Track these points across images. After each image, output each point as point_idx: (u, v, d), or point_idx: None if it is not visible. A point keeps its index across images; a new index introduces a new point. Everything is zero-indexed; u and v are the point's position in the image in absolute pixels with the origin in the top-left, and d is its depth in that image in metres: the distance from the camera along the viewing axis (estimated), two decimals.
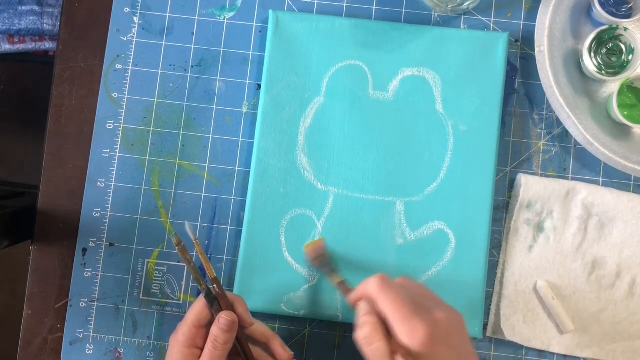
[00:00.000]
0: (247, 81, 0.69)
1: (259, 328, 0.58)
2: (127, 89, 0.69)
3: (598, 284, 0.65)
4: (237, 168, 0.68)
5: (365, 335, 0.50)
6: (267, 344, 0.58)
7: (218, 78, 0.69)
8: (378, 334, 0.50)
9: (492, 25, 0.69)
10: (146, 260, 0.67)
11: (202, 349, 0.55)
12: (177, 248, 0.56)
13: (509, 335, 0.64)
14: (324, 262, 0.62)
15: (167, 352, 0.56)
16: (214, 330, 0.54)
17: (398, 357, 0.48)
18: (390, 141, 0.66)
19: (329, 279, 0.61)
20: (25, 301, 0.67)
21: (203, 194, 0.68)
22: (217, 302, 0.56)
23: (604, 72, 0.65)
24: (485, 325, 0.65)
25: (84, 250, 0.68)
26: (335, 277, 0.61)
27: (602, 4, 0.65)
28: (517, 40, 0.68)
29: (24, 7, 0.86)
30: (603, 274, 0.65)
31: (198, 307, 0.56)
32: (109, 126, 0.69)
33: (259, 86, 0.68)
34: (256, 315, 0.66)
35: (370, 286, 0.52)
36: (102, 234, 0.68)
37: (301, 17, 0.67)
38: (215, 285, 0.56)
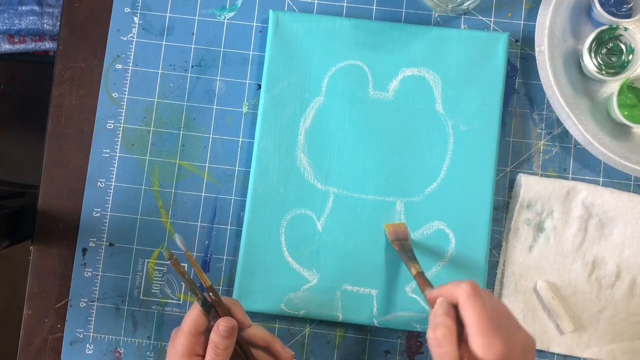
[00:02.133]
0: (247, 81, 0.69)
1: (259, 332, 0.58)
2: (127, 89, 0.69)
3: (598, 284, 0.65)
4: (237, 168, 0.68)
5: (437, 336, 0.49)
6: (267, 347, 0.58)
7: (218, 78, 0.69)
8: (451, 338, 0.49)
9: (492, 25, 0.69)
10: (146, 260, 0.67)
11: (202, 356, 0.54)
12: (169, 262, 0.55)
13: None
14: (405, 247, 0.61)
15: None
16: (214, 337, 0.54)
17: None
18: (390, 141, 0.66)
19: (407, 266, 0.60)
20: (25, 301, 0.67)
21: (203, 194, 0.68)
22: (213, 309, 0.56)
23: (604, 72, 0.65)
24: None
25: (84, 250, 0.68)
26: (414, 266, 0.59)
27: (602, 4, 0.65)
28: (517, 40, 0.68)
29: (24, 7, 0.86)
30: (603, 274, 0.65)
31: (194, 315, 0.55)
32: (109, 126, 0.69)
33: (259, 86, 0.68)
34: (256, 315, 0.66)
35: (460, 290, 0.51)
36: (102, 234, 0.68)
37: (301, 17, 0.67)
38: (210, 293, 0.56)
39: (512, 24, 0.68)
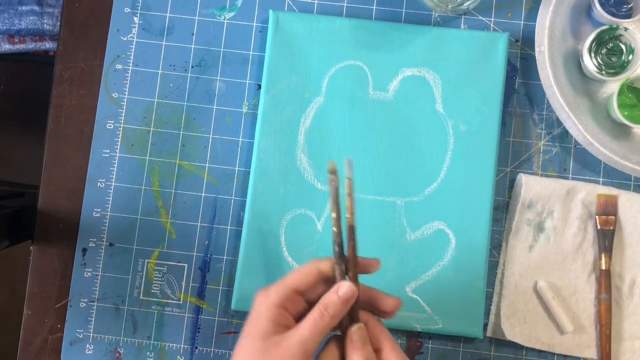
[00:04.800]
0: (247, 81, 0.69)
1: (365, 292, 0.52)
2: (127, 89, 0.69)
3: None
4: (237, 168, 0.68)
5: None
6: (369, 301, 0.52)
7: (218, 78, 0.69)
8: None
9: (492, 25, 0.69)
10: (146, 260, 0.67)
11: (291, 314, 0.49)
12: (329, 176, 0.49)
13: (509, 335, 0.64)
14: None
15: (252, 309, 0.49)
16: (330, 297, 0.48)
17: None
18: (390, 141, 0.66)
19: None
20: (25, 301, 0.67)
21: (203, 194, 0.68)
22: (345, 261, 0.49)
23: (604, 72, 0.65)
24: (485, 325, 0.65)
25: (84, 250, 0.68)
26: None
27: (602, 4, 0.65)
28: (517, 40, 0.68)
29: (24, 7, 0.86)
30: None
31: (303, 273, 0.49)
32: (109, 126, 0.69)
33: (259, 86, 0.68)
34: None
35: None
36: (102, 234, 0.68)
37: (301, 17, 0.67)
38: (351, 245, 0.49)
39: (512, 24, 0.68)
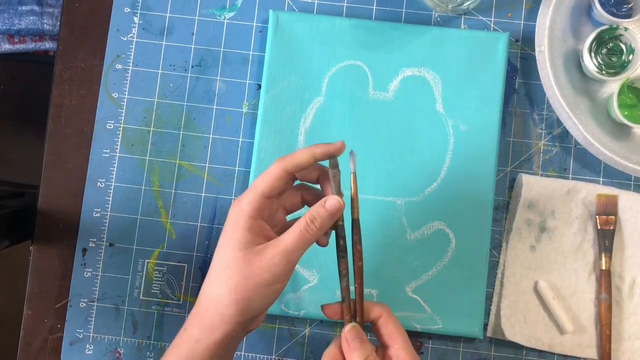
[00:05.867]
0: (247, 81, 0.69)
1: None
2: (127, 89, 0.69)
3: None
4: (237, 168, 0.68)
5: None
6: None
7: (218, 78, 0.69)
8: None
9: (492, 25, 0.69)
10: (146, 260, 0.67)
11: (268, 223, 0.50)
12: (330, 171, 0.49)
13: (509, 335, 0.64)
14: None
15: (227, 223, 0.49)
16: (317, 209, 0.48)
17: None
18: (390, 141, 0.66)
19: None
20: (25, 301, 0.67)
21: (203, 194, 0.68)
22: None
23: (604, 72, 0.65)
24: (485, 325, 0.65)
25: (84, 250, 0.68)
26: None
27: (602, 4, 0.65)
28: (517, 40, 0.68)
29: (24, 7, 0.86)
30: None
31: (271, 176, 0.48)
32: (109, 126, 0.69)
33: (259, 86, 0.68)
34: None
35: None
36: (102, 234, 0.68)
37: (301, 17, 0.67)
38: (354, 240, 0.51)
39: (512, 24, 0.68)
